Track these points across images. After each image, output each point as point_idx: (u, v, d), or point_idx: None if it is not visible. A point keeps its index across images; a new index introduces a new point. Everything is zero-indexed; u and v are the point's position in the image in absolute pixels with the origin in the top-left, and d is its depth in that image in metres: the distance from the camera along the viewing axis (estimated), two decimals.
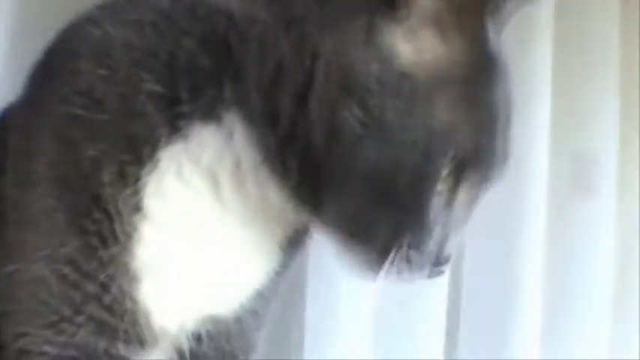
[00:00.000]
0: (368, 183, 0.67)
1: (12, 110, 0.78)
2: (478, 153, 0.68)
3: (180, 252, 0.72)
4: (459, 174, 0.68)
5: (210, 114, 0.69)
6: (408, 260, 0.69)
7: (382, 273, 0.69)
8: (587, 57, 1.35)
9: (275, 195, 0.71)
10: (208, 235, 0.73)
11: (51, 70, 0.73)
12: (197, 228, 0.72)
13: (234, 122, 0.69)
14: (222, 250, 0.74)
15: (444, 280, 1.17)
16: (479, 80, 0.68)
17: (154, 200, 0.70)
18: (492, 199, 1.20)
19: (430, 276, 0.72)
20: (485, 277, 1.29)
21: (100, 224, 0.69)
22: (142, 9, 0.71)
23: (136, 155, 0.69)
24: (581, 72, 1.36)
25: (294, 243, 0.80)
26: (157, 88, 0.68)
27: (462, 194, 0.70)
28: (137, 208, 0.70)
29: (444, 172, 0.67)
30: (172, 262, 0.72)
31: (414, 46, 0.66)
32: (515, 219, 1.29)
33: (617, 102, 1.39)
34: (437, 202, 0.68)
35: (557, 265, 1.37)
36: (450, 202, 0.69)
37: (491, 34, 0.68)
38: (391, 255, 0.68)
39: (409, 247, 0.69)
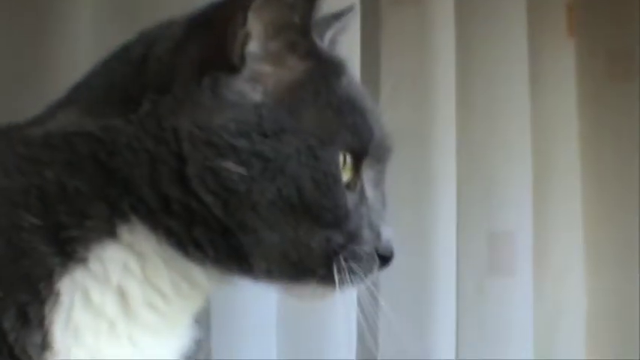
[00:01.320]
0: (279, 217, 0.68)
1: None
2: (362, 141, 0.72)
3: None
4: (355, 165, 0.71)
5: (105, 232, 0.69)
6: (353, 271, 0.71)
7: (337, 292, 0.71)
8: (498, 141, 1.38)
9: (199, 275, 0.71)
10: (121, 353, 0.72)
11: None
12: (110, 349, 0.71)
13: (135, 231, 0.69)
14: (138, 354, 0.73)
15: None
16: (328, 83, 0.72)
17: (65, 336, 0.70)
18: (403, 279, 1.25)
19: (382, 269, 0.74)
20: (399, 352, 1.28)
21: None
22: (2, 156, 0.72)
23: (33, 293, 0.68)
24: (492, 148, 1.38)
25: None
26: (35, 221, 0.68)
27: (367, 181, 0.73)
28: (47, 347, 0.69)
29: (341, 171, 0.70)
30: None
31: (257, 82, 0.69)
32: (427, 299, 1.30)
33: (531, 184, 1.42)
34: (349, 200, 0.71)
35: (474, 343, 1.38)
36: (360, 195, 0.72)
37: (319, 42, 0.73)
38: (335, 275, 0.70)
39: (346, 260, 0.70)
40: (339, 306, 1.16)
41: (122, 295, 0.71)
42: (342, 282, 0.70)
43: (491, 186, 1.39)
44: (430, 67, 1.29)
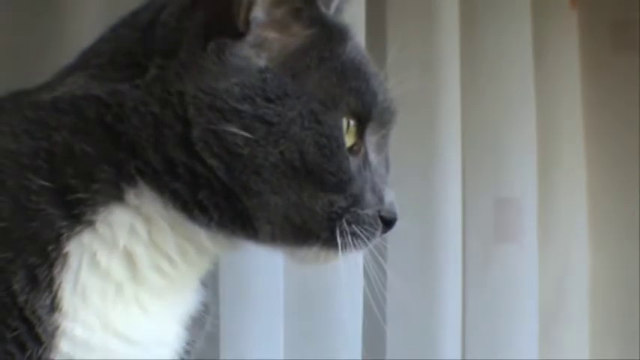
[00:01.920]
0: (282, 180, 0.69)
1: None
2: (366, 106, 0.73)
3: (102, 337, 0.72)
4: (358, 130, 0.73)
5: (112, 195, 0.71)
6: (356, 235, 0.72)
7: (340, 256, 0.72)
8: (504, 110, 1.41)
9: (205, 239, 0.73)
10: (129, 315, 0.73)
11: None
12: (118, 312, 0.73)
13: (141, 195, 0.71)
14: (144, 325, 0.74)
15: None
16: (332, 50, 0.73)
17: (73, 298, 0.71)
18: (409, 247, 1.29)
19: (385, 232, 0.76)
20: (406, 322, 1.33)
21: (17, 331, 0.69)
22: (11, 120, 0.73)
23: (42, 255, 0.70)
24: (498, 122, 1.41)
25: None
26: (44, 183, 0.70)
27: (371, 145, 0.74)
28: (56, 308, 0.70)
29: (344, 136, 0.71)
30: (95, 347, 0.72)
31: (262, 48, 0.71)
32: (434, 266, 1.34)
33: (535, 150, 1.45)
34: (352, 164, 0.72)
35: (480, 309, 1.41)
36: (364, 159, 0.74)
37: (323, 9, 0.74)
38: (338, 238, 0.71)
39: (349, 223, 0.72)
40: (346, 275, 1.21)
41: (129, 258, 0.73)
42: (345, 245, 0.71)
43: (496, 153, 1.41)
44: (434, 37, 1.31)
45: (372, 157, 0.75)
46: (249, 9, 0.70)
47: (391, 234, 1.23)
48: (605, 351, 1.58)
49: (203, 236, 0.73)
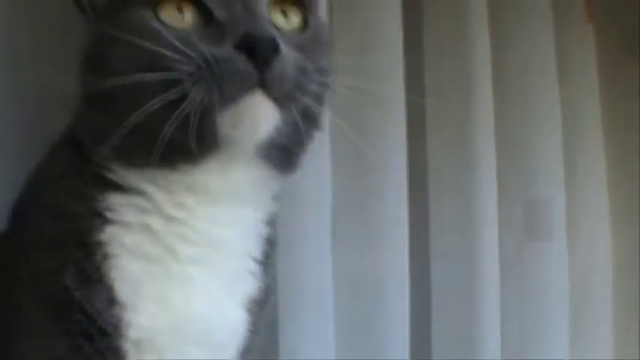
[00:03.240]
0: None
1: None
2: None
3: (166, 321, 0.76)
4: None
5: (117, 188, 0.78)
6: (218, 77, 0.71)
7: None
8: (532, 118, 1.52)
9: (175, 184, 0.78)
10: (187, 297, 0.78)
11: (16, 219, 0.85)
12: (175, 294, 0.77)
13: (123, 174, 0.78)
14: (204, 305, 0.78)
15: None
16: None
17: (126, 288, 0.76)
18: (451, 246, 1.39)
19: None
20: (448, 317, 1.42)
21: (81, 324, 0.75)
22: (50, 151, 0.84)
23: (83, 248, 0.76)
24: (526, 126, 1.51)
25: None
26: (70, 184, 0.79)
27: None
28: (114, 301, 0.76)
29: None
30: (160, 330, 0.76)
31: None
32: (473, 263, 1.42)
33: (561, 153, 1.54)
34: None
35: (515, 305, 1.50)
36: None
37: None
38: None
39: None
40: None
41: (151, 234, 0.78)
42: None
43: (526, 157, 1.51)
44: (468, 55, 1.41)
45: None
46: None
47: (436, 237, 1.37)
48: (628, 347, 1.68)
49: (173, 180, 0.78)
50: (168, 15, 0.75)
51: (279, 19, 0.79)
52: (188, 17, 0.75)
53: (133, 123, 0.71)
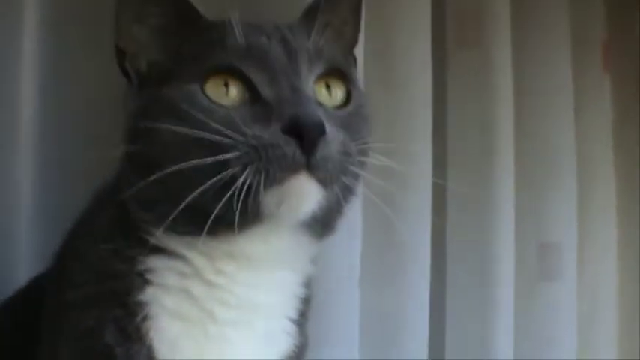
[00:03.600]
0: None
1: (41, 282, 0.90)
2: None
3: None
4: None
5: (159, 251, 0.80)
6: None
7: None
8: (549, 163, 1.58)
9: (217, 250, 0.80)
10: (223, 348, 0.80)
11: (58, 267, 0.87)
12: (212, 354, 0.79)
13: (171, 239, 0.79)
14: (240, 355, 0.80)
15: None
16: None
17: (164, 347, 0.78)
18: (469, 285, 1.45)
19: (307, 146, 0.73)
20: (465, 347, 1.48)
21: None
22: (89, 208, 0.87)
23: (123, 308, 0.78)
24: (543, 177, 1.58)
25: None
26: (111, 246, 0.80)
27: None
28: (153, 359, 0.78)
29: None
30: None
31: None
32: (489, 300, 1.48)
33: (575, 200, 1.60)
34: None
35: (527, 338, 1.56)
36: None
37: None
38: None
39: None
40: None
41: (191, 297, 0.79)
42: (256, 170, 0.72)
43: (542, 203, 1.57)
44: (491, 101, 1.47)
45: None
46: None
47: (454, 274, 1.43)
48: None
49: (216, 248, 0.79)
50: (214, 89, 0.77)
51: (323, 93, 0.80)
52: (233, 92, 0.77)
53: (185, 204, 0.73)
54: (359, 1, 0.90)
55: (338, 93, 0.81)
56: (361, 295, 1.24)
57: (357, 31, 0.91)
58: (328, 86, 0.81)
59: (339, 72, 0.82)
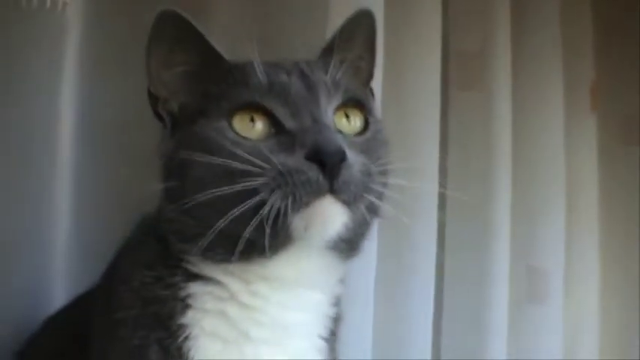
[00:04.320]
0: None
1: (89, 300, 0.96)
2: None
3: None
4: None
5: (196, 272, 0.86)
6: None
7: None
8: (541, 195, 1.70)
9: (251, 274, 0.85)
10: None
11: (105, 289, 0.92)
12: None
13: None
14: None
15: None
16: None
17: None
18: (465, 306, 1.55)
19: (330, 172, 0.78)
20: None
21: None
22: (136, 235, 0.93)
23: (166, 330, 0.84)
24: (535, 205, 1.69)
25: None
26: (154, 274, 0.86)
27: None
28: None
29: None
30: None
31: None
32: (484, 322, 1.58)
33: (563, 228, 1.72)
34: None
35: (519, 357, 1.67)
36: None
37: None
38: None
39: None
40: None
41: (227, 319, 0.84)
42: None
43: (533, 230, 1.69)
44: (490, 141, 1.58)
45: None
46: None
47: (453, 290, 1.53)
48: None
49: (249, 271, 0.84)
50: (241, 124, 0.82)
51: (342, 123, 0.86)
52: (259, 126, 0.82)
53: (218, 229, 0.78)
54: (373, 38, 0.95)
55: (356, 121, 0.87)
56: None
57: (372, 65, 0.96)
58: (347, 116, 0.86)
59: (357, 102, 0.87)
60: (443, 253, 1.56)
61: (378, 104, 1.16)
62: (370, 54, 0.95)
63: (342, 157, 0.78)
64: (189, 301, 0.85)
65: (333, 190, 0.78)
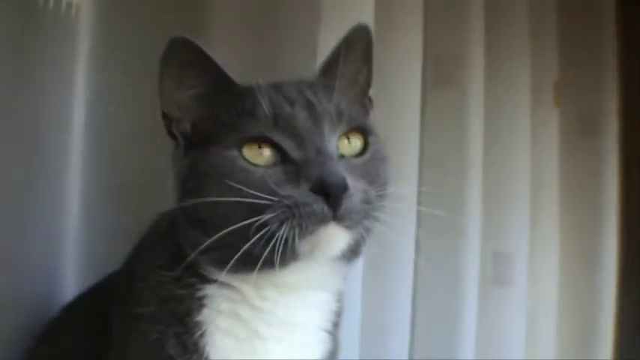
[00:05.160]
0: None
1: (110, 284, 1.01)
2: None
3: None
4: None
5: (212, 275, 0.90)
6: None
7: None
8: (509, 185, 1.82)
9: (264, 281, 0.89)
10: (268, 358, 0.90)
11: (124, 281, 0.96)
12: (256, 357, 0.90)
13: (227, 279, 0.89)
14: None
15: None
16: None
17: (218, 358, 0.88)
18: (438, 288, 1.66)
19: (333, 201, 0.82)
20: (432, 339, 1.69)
21: None
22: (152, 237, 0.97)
23: (183, 325, 0.89)
24: (504, 196, 1.81)
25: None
26: (171, 274, 0.90)
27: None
28: None
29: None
30: None
31: None
32: (456, 302, 1.69)
33: (528, 211, 1.83)
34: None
35: (486, 338, 1.79)
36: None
37: None
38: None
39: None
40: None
41: (240, 319, 0.90)
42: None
43: (500, 218, 1.80)
44: (464, 133, 1.68)
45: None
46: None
47: (425, 279, 1.65)
48: None
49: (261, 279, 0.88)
50: (250, 152, 0.87)
51: (343, 144, 0.90)
52: (266, 154, 0.87)
53: (237, 257, 0.84)
54: (370, 51, 0.98)
55: (357, 143, 0.92)
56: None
57: (369, 76, 0.99)
58: (348, 138, 0.91)
59: (358, 128, 0.92)
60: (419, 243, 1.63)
61: None
62: (368, 66, 0.99)
63: (344, 189, 0.83)
64: (205, 301, 0.90)
65: (336, 218, 0.83)
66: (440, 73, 1.68)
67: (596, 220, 2.03)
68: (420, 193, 1.54)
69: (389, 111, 1.51)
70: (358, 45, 0.96)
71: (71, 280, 1.18)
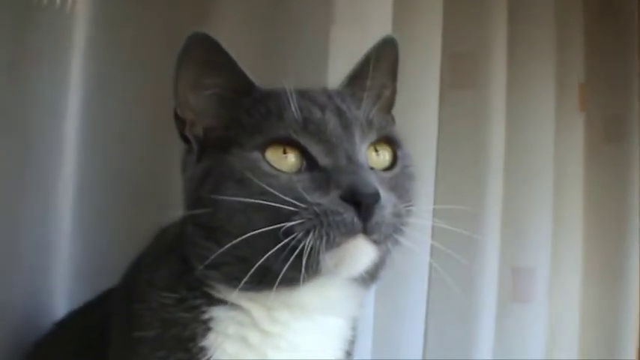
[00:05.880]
0: None
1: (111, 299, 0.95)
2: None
3: None
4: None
5: (218, 297, 0.85)
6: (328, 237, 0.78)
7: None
8: (530, 196, 1.73)
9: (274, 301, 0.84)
10: None
11: (122, 300, 0.91)
12: None
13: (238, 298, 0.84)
14: None
15: None
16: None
17: None
18: (453, 307, 1.58)
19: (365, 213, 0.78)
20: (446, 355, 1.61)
21: None
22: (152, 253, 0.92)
23: (186, 351, 0.84)
24: (525, 206, 1.72)
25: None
26: (174, 295, 0.85)
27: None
28: None
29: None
30: None
31: None
32: (472, 318, 1.62)
33: (550, 229, 1.75)
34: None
35: (504, 354, 1.70)
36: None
37: None
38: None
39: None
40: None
41: (248, 344, 0.85)
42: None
43: (521, 233, 1.72)
44: (483, 139, 1.60)
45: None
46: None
47: (440, 293, 1.56)
48: None
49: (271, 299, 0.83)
50: (274, 156, 0.82)
51: (372, 157, 0.86)
52: (291, 159, 0.82)
53: (254, 268, 0.79)
54: (396, 67, 0.95)
55: (386, 156, 0.87)
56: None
57: (394, 93, 0.96)
58: (376, 150, 0.87)
59: (387, 139, 0.88)
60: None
61: None
62: (393, 82, 0.95)
63: (376, 199, 0.79)
64: (211, 324, 0.85)
65: (365, 231, 0.79)
66: (458, 76, 1.60)
67: (622, 231, 1.93)
68: (436, 204, 1.48)
69: (403, 115, 1.41)
70: (386, 59, 0.93)
71: (64, 284, 1.15)
